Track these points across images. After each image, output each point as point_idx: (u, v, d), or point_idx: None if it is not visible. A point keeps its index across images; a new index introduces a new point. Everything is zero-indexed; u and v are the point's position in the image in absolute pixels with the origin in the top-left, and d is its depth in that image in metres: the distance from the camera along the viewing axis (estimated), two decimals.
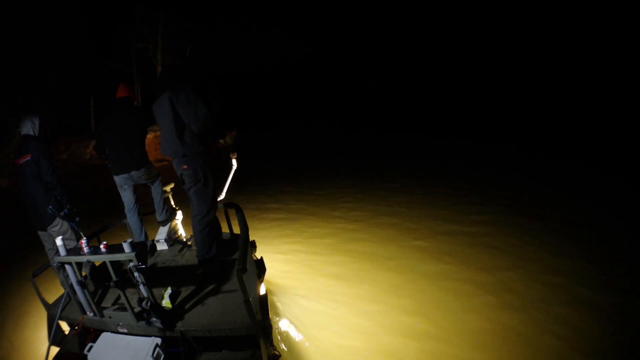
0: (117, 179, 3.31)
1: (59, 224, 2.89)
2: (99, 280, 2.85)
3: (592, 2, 20.02)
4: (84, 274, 2.48)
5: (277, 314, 3.34)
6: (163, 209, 3.54)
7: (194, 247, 3.26)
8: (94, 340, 2.36)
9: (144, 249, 2.21)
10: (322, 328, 3.28)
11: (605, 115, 12.52)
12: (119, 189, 3.41)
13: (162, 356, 2.19)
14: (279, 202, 7.23)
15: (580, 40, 20.16)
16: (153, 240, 3.55)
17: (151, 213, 3.59)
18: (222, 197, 3.53)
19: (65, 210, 2.56)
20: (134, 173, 3.24)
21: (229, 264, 2.99)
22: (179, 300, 2.55)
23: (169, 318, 2.27)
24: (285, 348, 3.01)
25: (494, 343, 3.03)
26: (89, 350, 2.28)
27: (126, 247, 2.10)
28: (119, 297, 2.51)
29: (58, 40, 12.29)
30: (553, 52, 21.64)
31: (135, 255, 2.08)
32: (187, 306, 2.46)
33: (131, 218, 3.47)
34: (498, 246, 4.63)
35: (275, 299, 3.57)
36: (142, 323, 2.25)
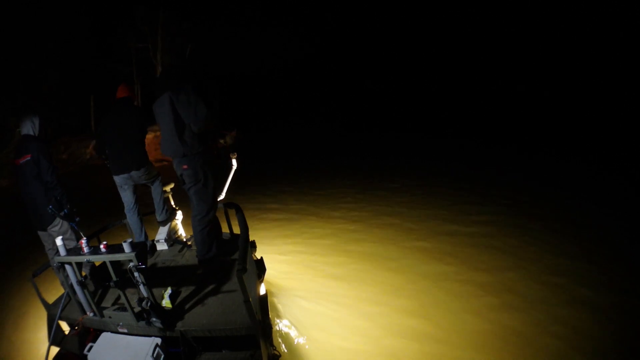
0: (117, 179, 3.32)
1: (59, 224, 2.89)
2: (99, 280, 2.85)
3: (592, 2, 20.02)
4: (84, 274, 2.48)
5: (278, 316, 3.33)
6: (163, 209, 3.54)
7: (194, 247, 3.26)
8: (94, 340, 2.36)
9: (144, 249, 2.21)
10: (323, 330, 3.27)
11: (605, 115, 12.52)
12: (119, 189, 3.41)
13: (162, 356, 2.19)
14: (279, 202, 7.23)
15: (580, 40, 20.17)
16: (153, 240, 3.55)
17: (151, 213, 3.59)
18: (222, 197, 3.53)
19: (65, 210, 2.56)
20: (134, 173, 3.25)
21: (229, 264, 2.99)
22: (179, 300, 2.55)
23: (169, 318, 2.27)
24: (285, 350, 3.01)
25: (494, 344, 3.03)
26: (89, 350, 2.28)
27: (126, 247, 2.10)
28: (119, 297, 2.51)
29: (58, 40, 12.29)
30: (553, 52, 21.65)
31: (135, 255, 2.08)
32: (187, 306, 2.46)
33: (131, 218, 3.47)
34: (498, 246, 4.63)
35: (275, 300, 3.56)
36: (142, 323, 2.25)
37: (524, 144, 10.40)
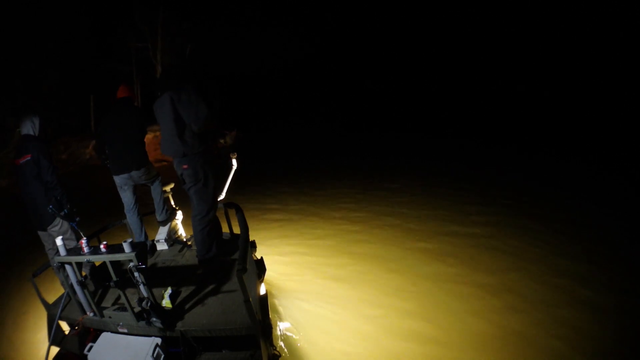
0: (117, 179, 3.32)
1: (59, 224, 2.89)
2: (99, 280, 2.85)
3: (592, 2, 20.02)
4: (84, 274, 2.48)
5: (278, 318, 3.32)
6: (163, 209, 3.55)
7: (194, 247, 3.26)
8: (94, 340, 2.36)
9: (144, 249, 2.21)
10: (323, 332, 3.26)
11: (605, 115, 12.52)
12: (119, 190, 3.41)
13: (162, 356, 2.18)
14: (279, 203, 7.22)
15: (580, 40, 20.16)
16: (153, 240, 3.54)
17: (151, 213, 3.59)
18: (222, 197, 3.53)
19: (65, 210, 2.56)
20: (134, 173, 3.25)
21: (229, 264, 2.99)
22: (179, 300, 2.55)
23: (169, 318, 2.27)
24: (286, 352, 2.99)
25: (495, 345, 3.02)
26: (89, 350, 2.28)
27: (126, 247, 2.10)
28: (119, 297, 2.51)
29: (58, 40, 12.28)
30: (553, 52, 21.64)
31: (135, 255, 2.08)
32: (187, 306, 2.45)
33: (131, 218, 3.47)
34: (499, 247, 4.63)
35: (276, 302, 3.55)
36: (142, 323, 2.25)
37: (524, 144, 10.41)
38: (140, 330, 2.29)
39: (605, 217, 5.18)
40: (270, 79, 25.25)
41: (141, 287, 2.18)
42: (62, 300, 2.61)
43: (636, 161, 7.60)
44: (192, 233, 3.14)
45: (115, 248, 2.19)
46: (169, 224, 3.59)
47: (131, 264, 2.11)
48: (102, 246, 2.20)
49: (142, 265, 2.11)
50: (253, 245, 3.27)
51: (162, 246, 3.50)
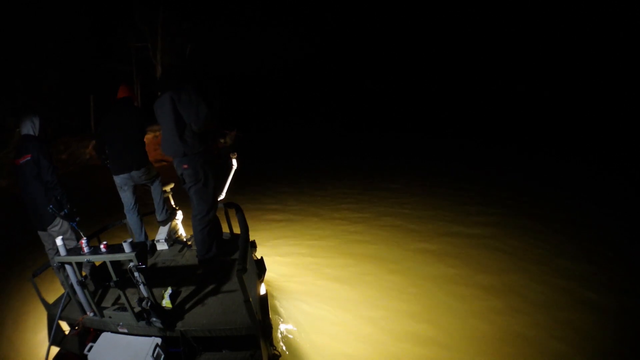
0: (117, 179, 3.32)
1: (59, 224, 2.89)
2: (99, 280, 2.84)
3: (592, 2, 20.02)
4: (84, 274, 2.48)
5: (279, 320, 3.31)
6: (163, 208, 3.54)
7: (194, 247, 3.26)
8: (94, 340, 2.36)
9: (144, 249, 2.20)
10: (324, 334, 3.25)
11: (605, 115, 12.52)
12: (119, 190, 3.41)
13: (162, 356, 2.18)
14: (279, 203, 7.22)
15: (580, 40, 20.16)
16: (153, 240, 3.54)
17: (151, 213, 3.58)
18: (222, 197, 3.52)
19: (65, 210, 2.56)
20: (134, 173, 3.25)
21: (229, 264, 2.99)
22: (179, 300, 2.54)
23: (169, 318, 2.27)
24: (287, 354, 2.99)
25: (497, 347, 3.02)
26: (89, 350, 2.28)
27: (126, 247, 2.10)
28: (119, 297, 2.50)
29: (58, 40, 12.27)
30: (553, 52, 21.64)
31: (135, 255, 2.08)
32: (187, 306, 2.45)
33: (131, 218, 3.47)
34: (500, 247, 4.62)
35: (277, 303, 3.54)
36: (142, 323, 2.25)
37: (524, 144, 10.41)
38: (140, 330, 2.28)
39: (605, 217, 5.18)
40: (270, 79, 25.25)
41: (141, 287, 2.18)
42: (62, 300, 2.61)
43: (636, 161, 7.60)
44: (192, 233, 3.14)
45: (115, 248, 2.19)
46: (169, 224, 3.59)
47: (131, 264, 2.11)
48: (102, 246, 2.20)
49: (142, 265, 2.11)
50: (253, 245, 3.27)
51: (162, 246, 3.50)
